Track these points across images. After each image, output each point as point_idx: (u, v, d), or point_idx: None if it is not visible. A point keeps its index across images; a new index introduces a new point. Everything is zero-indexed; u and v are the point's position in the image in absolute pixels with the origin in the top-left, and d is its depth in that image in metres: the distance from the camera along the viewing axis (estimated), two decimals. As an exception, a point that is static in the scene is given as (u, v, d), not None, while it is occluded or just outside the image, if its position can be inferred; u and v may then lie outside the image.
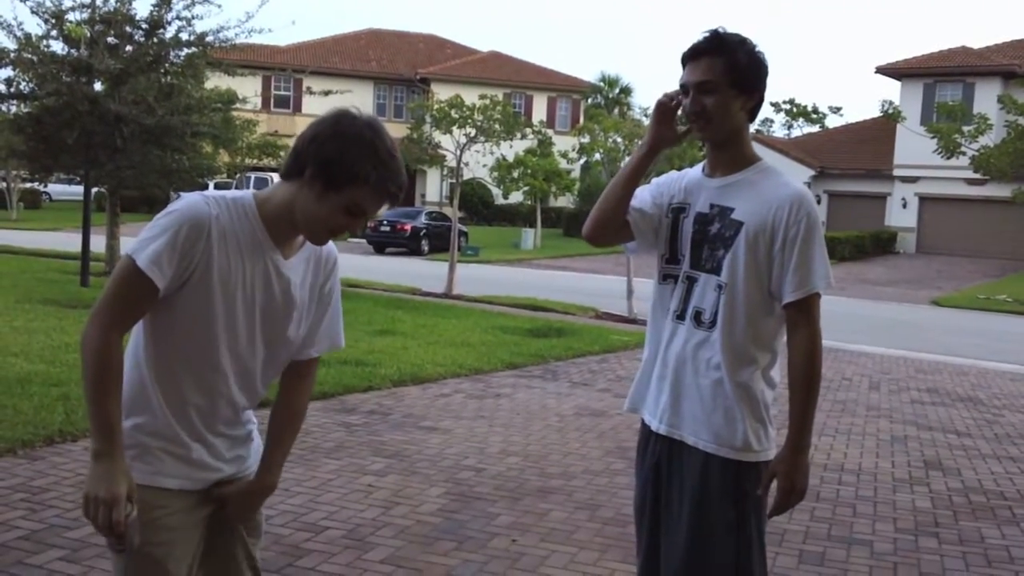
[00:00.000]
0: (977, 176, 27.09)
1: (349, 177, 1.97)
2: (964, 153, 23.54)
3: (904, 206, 36.70)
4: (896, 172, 36.23)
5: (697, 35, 2.45)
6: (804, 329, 2.41)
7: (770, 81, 2.50)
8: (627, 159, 2.71)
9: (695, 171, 2.59)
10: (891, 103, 25.47)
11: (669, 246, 2.55)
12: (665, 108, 2.48)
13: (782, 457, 2.43)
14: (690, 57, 2.44)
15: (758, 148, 2.57)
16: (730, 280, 2.42)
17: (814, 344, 2.41)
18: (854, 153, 38.17)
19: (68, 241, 22.74)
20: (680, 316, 2.50)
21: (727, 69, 2.39)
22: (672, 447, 2.50)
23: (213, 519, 2.21)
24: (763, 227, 2.40)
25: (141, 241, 1.98)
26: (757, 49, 2.45)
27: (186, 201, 2.03)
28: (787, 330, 2.45)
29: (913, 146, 32.37)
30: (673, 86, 2.51)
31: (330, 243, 2.20)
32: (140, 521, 2.01)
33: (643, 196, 2.56)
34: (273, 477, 2.31)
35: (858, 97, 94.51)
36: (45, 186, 39.54)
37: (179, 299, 2.02)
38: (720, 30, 2.44)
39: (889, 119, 28.46)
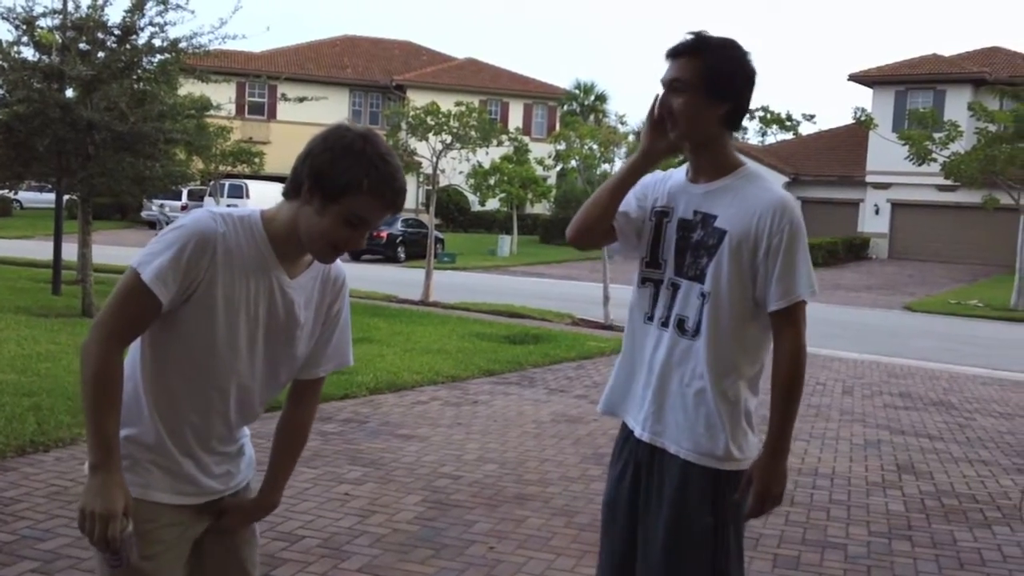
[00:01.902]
0: (948, 182, 27.39)
1: (343, 186, 1.96)
2: (935, 160, 23.77)
3: (876, 212, 37.06)
4: (868, 179, 36.59)
5: (681, 35, 2.42)
6: (789, 336, 2.40)
7: (755, 92, 2.43)
8: (617, 165, 2.68)
9: (679, 174, 2.55)
10: (863, 110, 25.64)
11: (650, 250, 2.53)
12: (655, 115, 2.44)
13: (759, 462, 2.43)
14: (670, 55, 2.40)
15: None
16: (714, 289, 2.40)
17: (798, 351, 2.41)
18: (827, 160, 38.52)
19: (39, 249, 22.50)
20: (664, 323, 2.48)
21: (700, 72, 2.34)
22: (653, 453, 2.49)
23: (211, 531, 2.21)
24: (746, 235, 2.38)
25: (147, 255, 1.97)
26: (743, 56, 2.39)
27: (193, 217, 2.03)
28: (773, 337, 2.44)
29: (885, 153, 32.69)
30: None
31: (339, 263, 2.21)
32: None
33: (628, 199, 2.53)
34: (277, 496, 2.34)
35: (831, 104, 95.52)
36: (16, 193, 39.10)
37: (181, 315, 2.01)
38: (703, 32, 2.40)
39: (861, 126, 28.70)
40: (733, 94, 2.39)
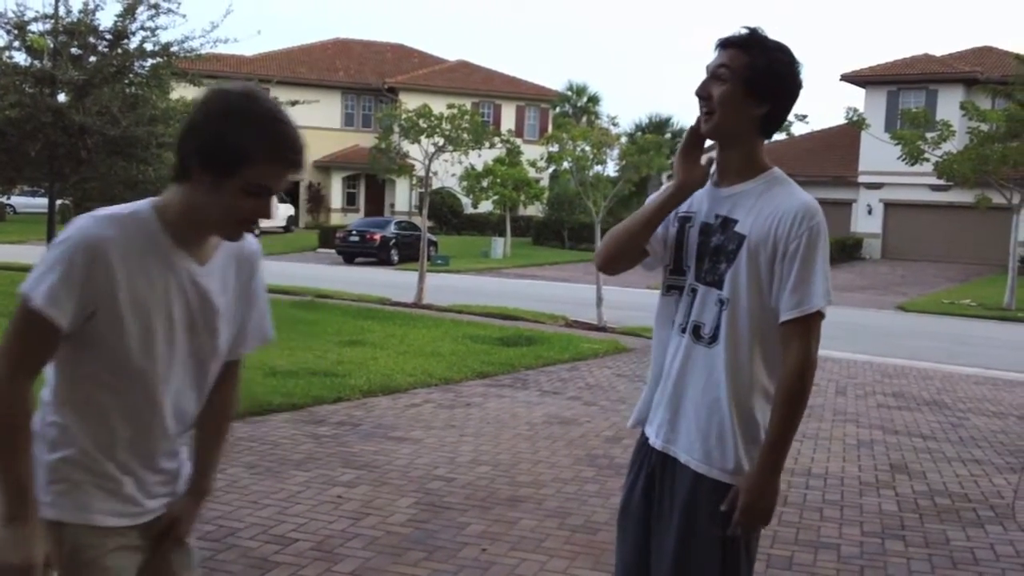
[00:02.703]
0: (941, 182, 27.45)
1: (236, 157, 1.79)
2: (928, 159, 23.81)
3: (869, 212, 37.13)
4: (861, 179, 36.66)
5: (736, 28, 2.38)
6: (797, 348, 2.29)
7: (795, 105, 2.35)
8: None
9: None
10: (855, 110, 25.67)
11: (674, 257, 2.46)
12: (690, 138, 2.39)
13: (749, 475, 2.33)
14: (720, 44, 2.36)
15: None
16: (732, 295, 2.33)
17: (806, 365, 2.30)
18: (820, 160, 38.56)
19: (32, 254, 22.43)
20: (683, 329, 2.42)
21: (747, 65, 2.30)
22: (666, 461, 2.45)
23: (150, 565, 2.06)
24: (764, 240, 2.31)
25: (34, 278, 1.81)
26: (791, 64, 2.35)
27: (76, 227, 1.84)
28: (782, 346, 2.33)
29: (877, 153, 32.73)
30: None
31: (249, 238, 2.05)
32: (73, 564, 1.89)
33: None
34: (208, 482, 2.19)
35: (823, 105, 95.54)
36: (8, 198, 39.05)
37: (89, 331, 1.85)
38: (760, 29, 2.36)
39: (853, 126, 28.75)
40: (772, 96, 2.34)
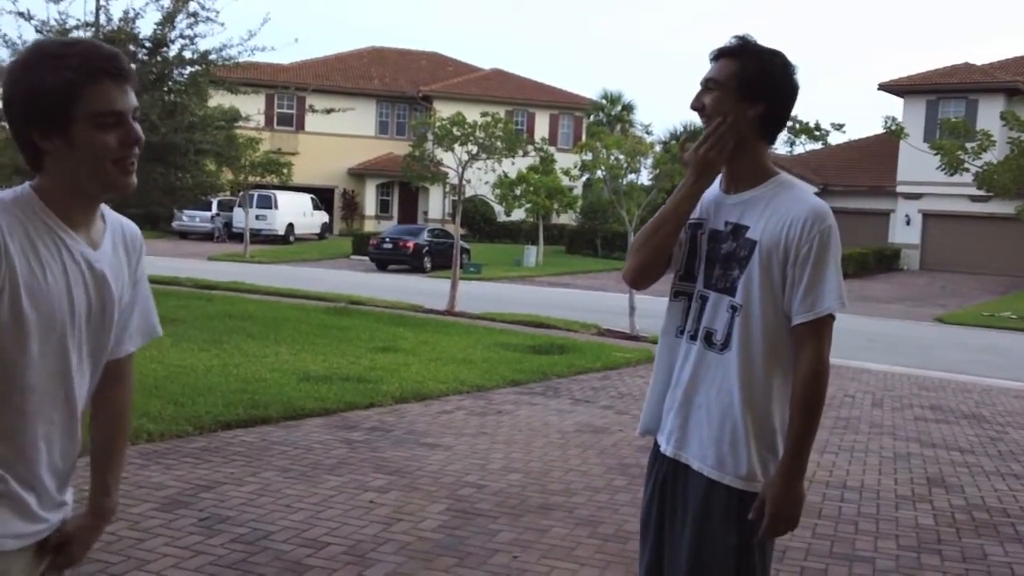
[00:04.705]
0: (981, 193, 27.07)
1: (60, 98, 1.67)
2: (967, 170, 23.49)
3: (908, 223, 36.70)
4: (899, 189, 36.25)
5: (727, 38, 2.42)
6: (810, 352, 2.31)
7: (794, 106, 2.40)
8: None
9: (713, 185, 2.50)
10: (894, 120, 25.37)
11: (685, 263, 2.48)
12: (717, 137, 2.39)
13: (772, 483, 2.33)
14: (712, 57, 2.41)
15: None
16: (745, 301, 2.34)
17: (820, 367, 2.31)
18: (857, 170, 38.20)
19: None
20: (693, 336, 2.43)
21: (735, 73, 2.34)
22: (678, 468, 2.45)
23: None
24: (776, 245, 2.32)
25: None
26: (783, 65, 2.37)
27: None
28: (795, 349, 2.35)
29: (916, 163, 32.35)
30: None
31: (132, 224, 1.93)
32: None
33: None
34: (113, 500, 2.00)
35: (861, 114, 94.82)
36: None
37: None
38: (748, 36, 2.40)
39: (892, 136, 28.46)
40: (766, 96, 2.35)
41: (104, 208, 1.89)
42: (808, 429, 2.33)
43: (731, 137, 2.37)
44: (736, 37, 2.40)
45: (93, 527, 1.96)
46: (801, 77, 2.42)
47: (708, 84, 2.38)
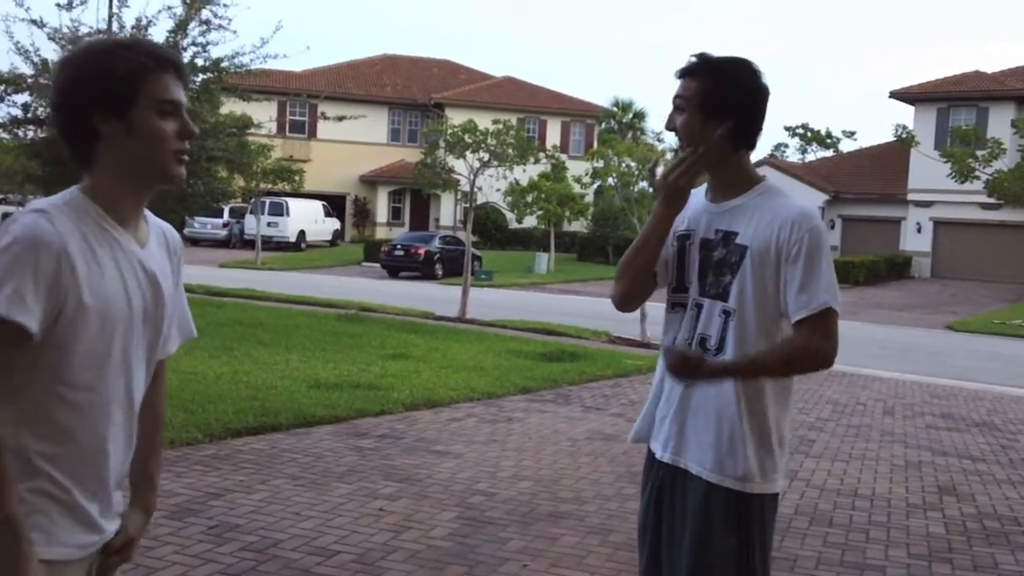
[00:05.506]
0: (991, 201, 27.04)
1: (133, 78, 1.73)
2: (978, 177, 23.50)
3: (919, 230, 36.60)
4: (910, 196, 36.16)
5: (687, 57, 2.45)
6: (820, 337, 2.32)
7: (767, 108, 2.42)
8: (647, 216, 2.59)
9: (699, 196, 2.53)
10: (905, 127, 25.45)
11: (676, 275, 2.52)
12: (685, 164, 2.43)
13: (713, 361, 2.36)
14: (676, 75, 2.45)
15: (772, 173, 2.53)
16: (739, 306, 2.38)
17: (825, 353, 2.33)
18: (868, 178, 38.12)
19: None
20: (688, 344, 2.46)
21: (697, 91, 2.37)
22: (676, 474, 2.47)
23: None
24: (766, 249, 2.36)
25: None
26: (745, 75, 2.39)
27: (21, 224, 1.66)
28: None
29: (927, 170, 32.32)
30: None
31: (171, 227, 1.97)
32: None
33: None
34: (155, 497, 2.04)
35: (872, 122, 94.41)
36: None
37: (55, 339, 1.67)
38: (706, 53, 2.42)
39: (903, 144, 28.46)
40: (730, 111, 2.37)
41: (146, 210, 1.92)
42: (767, 373, 2.37)
43: (701, 166, 2.41)
44: (694, 55, 2.43)
45: (139, 522, 1.99)
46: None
47: (676, 103, 2.43)
